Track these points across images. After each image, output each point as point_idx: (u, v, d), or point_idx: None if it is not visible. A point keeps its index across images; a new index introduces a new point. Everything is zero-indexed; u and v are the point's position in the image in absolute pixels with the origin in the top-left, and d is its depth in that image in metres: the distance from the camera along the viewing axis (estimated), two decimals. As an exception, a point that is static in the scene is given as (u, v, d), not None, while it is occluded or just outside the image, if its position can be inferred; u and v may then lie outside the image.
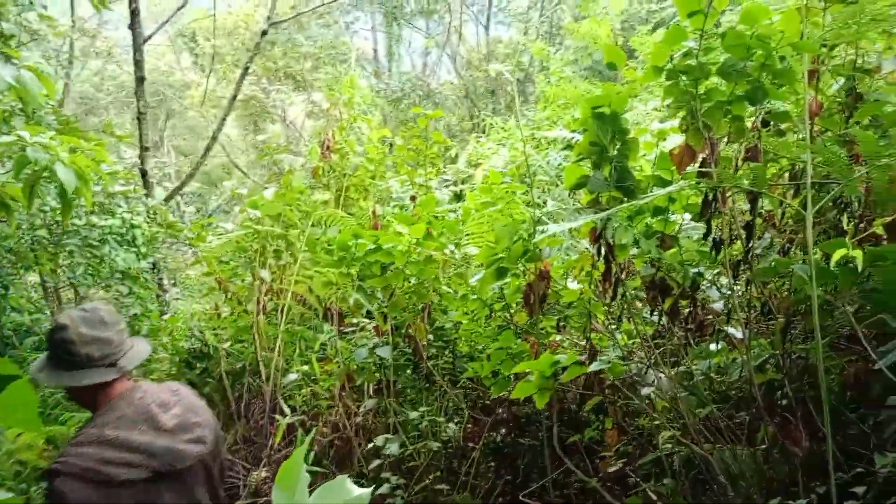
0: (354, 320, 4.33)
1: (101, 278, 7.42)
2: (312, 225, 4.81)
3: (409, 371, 4.22)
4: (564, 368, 2.91)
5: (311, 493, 1.06)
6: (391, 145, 7.56)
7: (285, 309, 4.82)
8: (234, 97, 13.61)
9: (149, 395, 2.27)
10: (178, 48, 25.97)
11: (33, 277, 8.33)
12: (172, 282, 10.64)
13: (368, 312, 4.26)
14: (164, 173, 18.14)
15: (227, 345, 4.80)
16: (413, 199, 5.86)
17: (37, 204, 6.30)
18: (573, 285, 3.51)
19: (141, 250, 7.60)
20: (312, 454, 3.70)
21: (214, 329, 5.07)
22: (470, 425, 3.90)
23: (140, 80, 11.04)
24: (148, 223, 7.83)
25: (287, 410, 4.22)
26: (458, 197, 6.62)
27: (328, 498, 1.06)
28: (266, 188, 5.17)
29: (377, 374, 4.02)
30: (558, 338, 3.60)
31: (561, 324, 3.72)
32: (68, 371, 2.17)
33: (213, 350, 4.76)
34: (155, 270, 8.94)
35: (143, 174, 10.76)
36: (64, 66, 13.39)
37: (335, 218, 4.94)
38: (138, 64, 10.99)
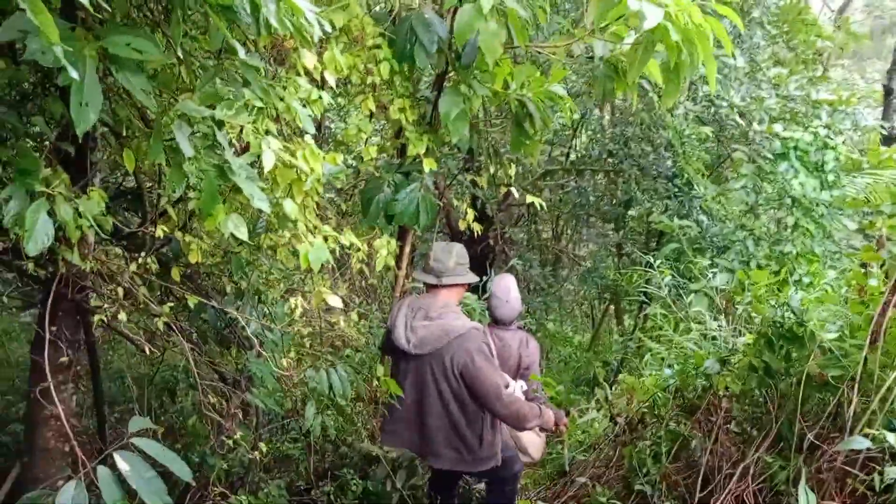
0: None
1: (769, 200, 6.15)
2: None
3: None
4: None
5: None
6: None
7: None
8: None
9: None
10: None
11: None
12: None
13: None
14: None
15: (829, 335, 3.13)
16: None
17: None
18: None
19: (827, 178, 5.98)
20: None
21: (814, 306, 3.40)
22: None
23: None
24: (849, 148, 6.10)
25: None
26: None
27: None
28: None
29: None
30: None
31: None
32: None
33: (809, 336, 3.16)
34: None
35: (888, 93, 8.65)
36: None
37: None
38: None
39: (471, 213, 4.55)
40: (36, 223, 1.89)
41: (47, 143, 2.44)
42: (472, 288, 5.28)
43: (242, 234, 2.35)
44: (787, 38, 7.00)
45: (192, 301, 2.95)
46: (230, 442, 3.12)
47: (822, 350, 3.19)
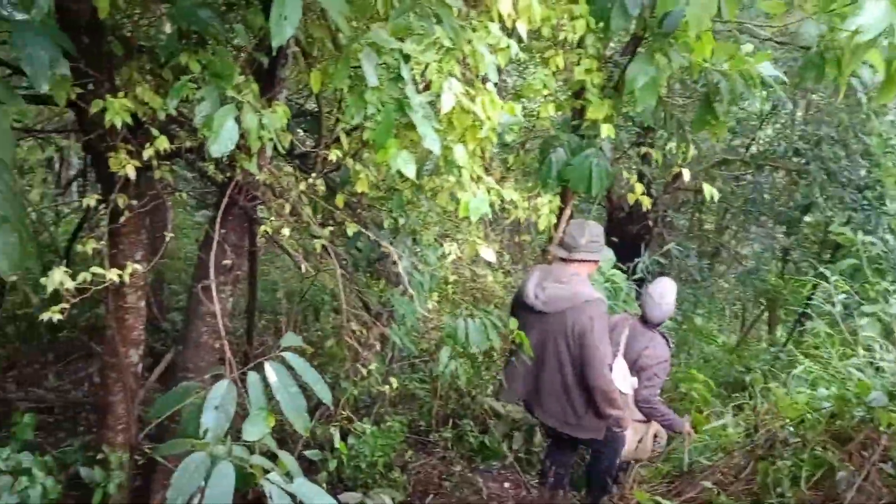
0: None
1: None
2: None
3: None
4: None
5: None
6: None
7: None
8: None
9: None
10: None
11: None
12: None
13: None
14: None
15: None
16: None
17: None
18: None
19: None
20: None
21: None
22: None
23: None
24: None
25: None
26: None
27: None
28: None
29: None
30: None
31: None
32: None
33: None
34: None
35: None
36: None
37: None
38: None
39: (639, 187, 4.36)
40: (223, 127, 1.98)
41: (244, 54, 2.54)
42: (623, 270, 5.09)
43: (410, 171, 2.35)
44: None
45: (352, 229, 3.02)
46: (364, 371, 3.20)
47: None
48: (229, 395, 1.84)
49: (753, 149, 9.51)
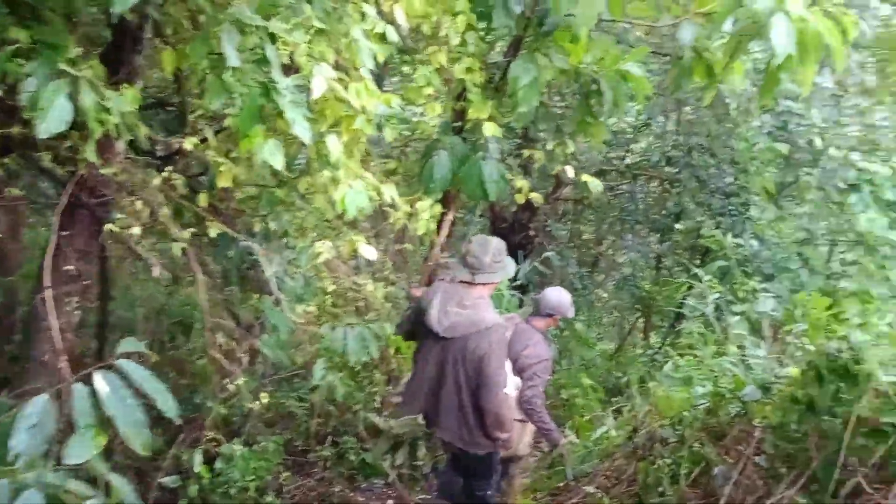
0: None
1: (832, 233, 5.81)
2: None
3: None
4: None
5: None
6: None
7: None
8: None
9: None
10: None
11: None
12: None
13: None
14: None
15: (889, 378, 2.85)
16: None
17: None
18: None
19: (898, 216, 5.61)
20: None
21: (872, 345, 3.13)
22: None
23: None
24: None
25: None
26: None
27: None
28: None
29: None
30: None
31: None
32: None
33: (865, 376, 2.88)
34: None
35: (975, 142, 8.15)
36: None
37: None
38: None
39: (526, 185, 4.29)
40: (53, 104, 1.71)
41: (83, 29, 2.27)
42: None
43: (277, 162, 2.15)
44: (880, 67, 6.59)
45: (213, 230, 2.76)
46: (232, 387, 2.93)
47: (877, 393, 2.92)
48: (48, 413, 1.57)
49: (628, 159, 9.82)
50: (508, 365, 4.08)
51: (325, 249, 2.78)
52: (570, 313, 4.59)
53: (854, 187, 5.57)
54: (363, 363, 4.32)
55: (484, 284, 3.65)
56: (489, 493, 3.99)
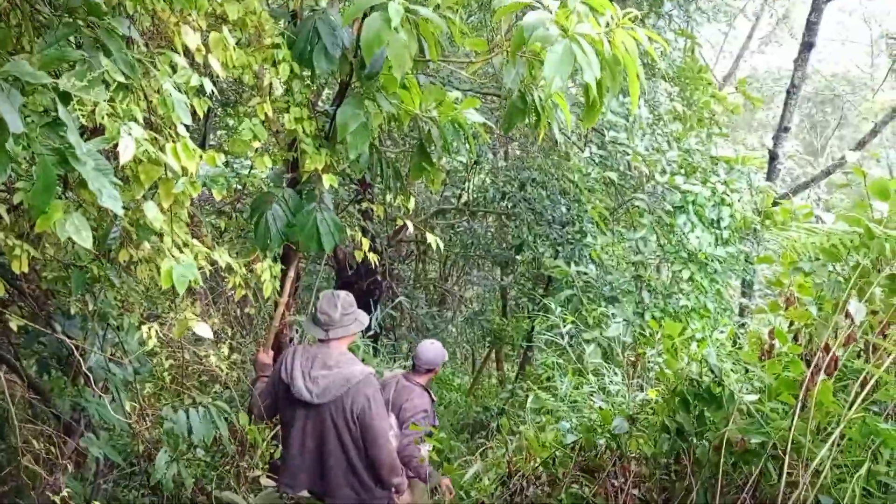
0: None
1: (665, 253, 6.09)
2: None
3: None
4: None
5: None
6: None
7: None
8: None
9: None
10: (877, 49, 22.75)
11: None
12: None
13: None
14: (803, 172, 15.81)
15: (750, 398, 2.91)
16: None
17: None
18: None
19: (722, 235, 5.98)
20: None
21: (738, 363, 3.22)
22: None
23: (807, 46, 9.12)
24: (742, 207, 6.14)
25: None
26: None
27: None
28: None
29: None
30: None
31: None
32: None
33: (728, 399, 2.93)
34: (745, 264, 7.09)
35: (772, 158, 8.98)
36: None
37: None
38: (810, 27, 9.08)
39: (366, 242, 4.17)
40: None
41: None
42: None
43: (85, 240, 1.83)
44: (685, 96, 7.09)
45: (15, 322, 2.35)
46: (56, 499, 2.48)
47: (741, 413, 2.97)
48: None
49: (465, 197, 9.95)
50: (392, 419, 4.41)
51: (152, 332, 2.43)
52: (445, 360, 4.79)
53: (680, 209, 5.88)
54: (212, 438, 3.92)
55: (339, 339, 3.62)
56: None
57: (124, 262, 2.48)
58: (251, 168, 4.33)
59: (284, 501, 4.37)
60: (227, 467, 4.63)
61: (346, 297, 3.73)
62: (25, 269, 2.09)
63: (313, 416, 3.54)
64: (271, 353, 4.01)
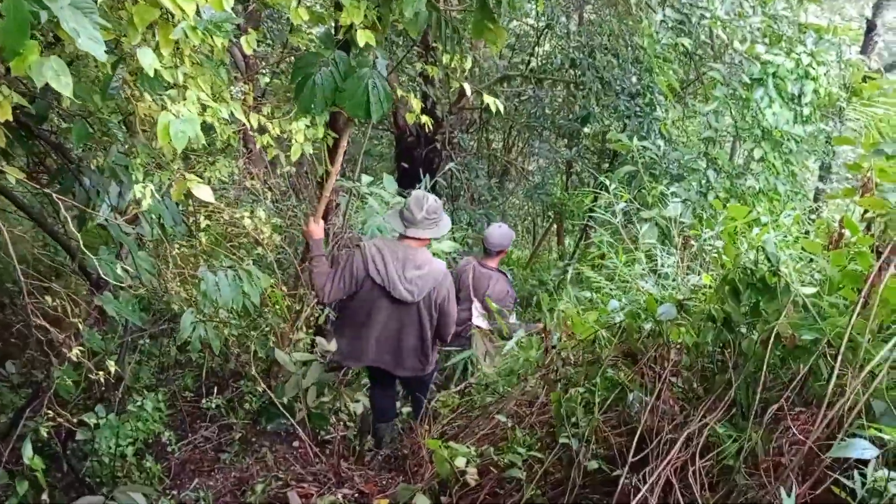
0: None
1: (738, 129, 5.62)
2: None
3: None
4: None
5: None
6: None
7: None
8: None
9: None
10: None
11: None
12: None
13: None
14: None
15: (807, 290, 2.66)
16: None
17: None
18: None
19: (802, 112, 5.47)
20: None
21: (802, 252, 2.95)
22: None
23: None
24: (828, 83, 5.56)
25: None
26: None
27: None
28: None
29: None
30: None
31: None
32: None
33: (783, 290, 2.68)
34: (825, 145, 6.50)
35: (870, 28, 8.12)
36: None
37: None
38: None
39: (417, 105, 3.97)
40: None
41: None
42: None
43: (64, 87, 1.67)
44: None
45: (13, 175, 2.25)
46: (72, 355, 2.48)
47: (795, 306, 2.72)
48: None
49: (533, 63, 9.44)
50: (476, 303, 5.04)
51: (147, 194, 2.30)
52: (513, 239, 5.25)
53: (758, 81, 5.37)
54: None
55: (417, 239, 3.98)
56: (427, 396, 4.42)
57: (125, 115, 2.33)
58: (291, 27, 4.07)
59: (335, 375, 4.62)
60: (265, 329, 4.69)
61: (433, 203, 4.00)
62: (9, 117, 1.96)
63: (404, 308, 3.99)
64: (322, 222, 4.13)
